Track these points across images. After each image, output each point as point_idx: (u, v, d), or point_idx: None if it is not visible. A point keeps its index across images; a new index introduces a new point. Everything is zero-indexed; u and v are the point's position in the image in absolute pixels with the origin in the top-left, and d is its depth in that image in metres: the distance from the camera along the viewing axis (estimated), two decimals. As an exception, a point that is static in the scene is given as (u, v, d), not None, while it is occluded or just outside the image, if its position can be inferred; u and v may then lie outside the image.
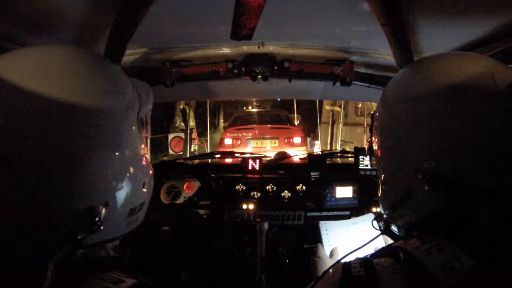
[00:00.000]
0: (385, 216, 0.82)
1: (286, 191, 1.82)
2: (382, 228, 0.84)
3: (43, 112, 0.57)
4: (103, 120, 0.64)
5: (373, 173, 1.72)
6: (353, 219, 1.48)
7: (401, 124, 0.71)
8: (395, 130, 0.73)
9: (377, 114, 0.83)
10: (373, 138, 0.84)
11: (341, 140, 6.90)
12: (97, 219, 0.61)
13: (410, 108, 0.71)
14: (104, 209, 0.63)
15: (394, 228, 0.80)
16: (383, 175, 0.80)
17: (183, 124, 8.06)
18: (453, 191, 0.62)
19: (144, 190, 0.75)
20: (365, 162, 1.74)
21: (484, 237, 0.57)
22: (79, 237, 0.60)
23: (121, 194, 0.67)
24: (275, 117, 8.39)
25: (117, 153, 0.66)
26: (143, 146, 0.75)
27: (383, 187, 0.80)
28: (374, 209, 1.73)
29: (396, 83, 0.81)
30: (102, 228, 0.62)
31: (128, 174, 0.69)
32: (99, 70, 0.70)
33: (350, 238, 1.33)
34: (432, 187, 0.63)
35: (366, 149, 0.94)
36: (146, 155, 0.76)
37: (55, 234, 0.60)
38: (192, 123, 8.24)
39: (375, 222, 0.89)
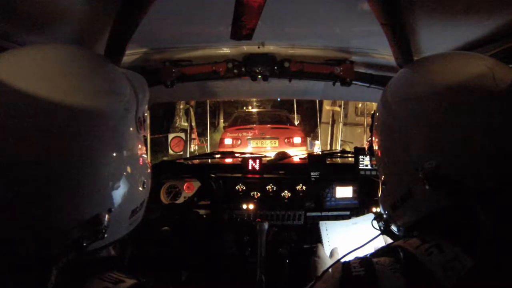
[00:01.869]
0: (385, 216, 0.82)
1: (286, 191, 1.82)
2: (382, 228, 0.84)
3: (41, 113, 0.57)
4: (103, 121, 0.63)
5: (373, 173, 1.72)
6: (353, 219, 1.48)
7: (401, 124, 0.71)
8: (395, 130, 0.73)
9: (377, 114, 0.83)
10: (373, 138, 0.84)
11: (341, 140, 6.89)
12: (102, 226, 0.61)
13: (410, 108, 0.71)
14: (107, 216, 0.63)
15: (394, 228, 0.80)
16: (383, 175, 0.80)
17: (185, 124, 8.07)
18: (453, 191, 0.62)
19: (144, 189, 0.75)
20: (365, 162, 1.74)
21: (484, 237, 0.57)
22: (84, 244, 0.60)
23: (123, 198, 0.67)
24: (275, 117, 8.39)
25: (117, 157, 0.66)
26: (141, 145, 0.75)
27: (383, 187, 0.80)
28: (374, 209, 1.73)
29: (396, 83, 0.81)
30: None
31: (129, 177, 0.68)
32: (98, 70, 0.69)
33: (350, 238, 1.33)
34: (432, 187, 0.63)
35: (366, 149, 0.94)
36: (144, 154, 0.76)
37: (60, 242, 0.59)
38: (192, 123, 8.25)
39: (375, 222, 0.89)
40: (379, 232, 0.85)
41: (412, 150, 0.68)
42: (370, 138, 0.89)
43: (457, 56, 0.79)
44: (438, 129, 0.65)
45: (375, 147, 0.83)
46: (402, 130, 0.71)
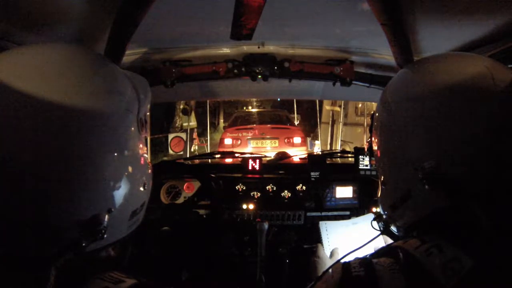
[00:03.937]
0: (384, 216, 0.82)
1: (286, 191, 1.82)
2: (381, 229, 0.84)
3: (41, 112, 0.56)
4: (103, 121, 0.63)
5: (373, 173, 1.72)
6: (353, 219, 1.48)
7: (401, 124, 0.72)
8: (395, 130, 0.73)
9: (376, 114, 0.83)
10: (373, 139, 0.84)
11: (341, 140, 6.89)
12: (101, 227, 0.61)
13: (410, 108, 0.71)
14: (107, 216, 0.63)
15: (393, 228, 0.80)
16: (382, 175, 0.80)
17: (186, 124, 8.08)
18: (452, 191, 0.62)
19: (144, 190, 0.75)
20: (365, 162, 1.74)
21: (484, 237, 0.57)
22: (83, 244, 0.60)
23: (123, 199, 0.67)
24: (275, 117, 8.38)
25: (118, 157, 0.65)
26: (142, 146, 0.75)
27: (383, 187, 0.80)
28: (374, 209, 1.73)
29: (396, 83, 0.82)
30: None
31: (129, 178, 0.68)
32: (99, 70, 0.69)
33: (350, 238, 1.33)
34: (432, 187, 0.63)
35: (366, 149, 0.94)
36: (145, 155, 0.76)
37: (58, 241, 0.59)
38: (192, 123, 8.24)
39: (374, 222, 0.89)
40: (379, 232, 0.85)
41: (411, 150, 0.68)
42: (369, 139, 0.89)
43: (456, 57, 0.79)
44: (437, 129, 0.65)
45: (375, 148, 0.83)
46: (401, 130, 0.71)
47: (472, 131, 0.62)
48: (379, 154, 0.80)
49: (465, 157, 0.62)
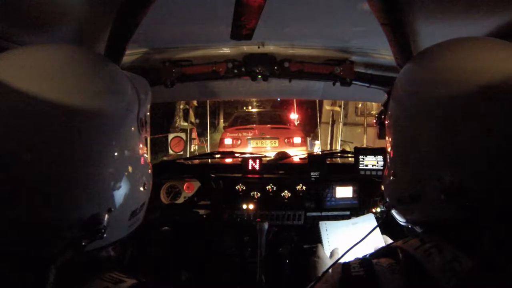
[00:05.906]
0: (387, 201, 0.78)
1: (286, 191, 1.82)
2: (383, 210, 0.81)
3: (41, 112, 0.57)
4: (103, 120, 0.63)
5: (373, 173, 1.72)
6: (353, 219, 1.48)
7: (420, 128, 0.64)
8: (414, 132, 0.66)
9: (389, 112, 0.77)
10: (387, 138, 0.78)
11: (341, 140, 6.89)
12: (101, 226, 0.61)
13: (431, 109, 0.62)
14: (107, 215, 0.63)
15: (394, 214, 0.77)
16: (394, 166, 0.74)
17: (185, 123, 8.08)
18: (472, 206, 0.57)
19: (144, 190, 0.75)
20: (365, 162, 1.74)
21: (484, 237, 0.57)
22: (83, 243, 0.60)
23: (123, 199, 0.67)
24: (275, 117, 8.39)
25: (118, 157, 0.66)
26: (142, 146, 0.75)
27: (393, 177, 0.74)
28: (374, 209, 1.73)
29: (412, 76, 0.72)
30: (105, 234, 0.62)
31: (129, 178, 0.68)
32: (99, 70, 0.69)
33: (350, 238, 1.33)
34: (450, 199, 0.58)
35: (376, 123, 0.86)
36: (145, 155, 0.76)
37: (58, 241, 0.59)
38: (192, 119, 8.24)
39: (374, 211, 0.87)
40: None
41: (431, 157, 0.62)
42: (382, 117, 0.83)
43: (486, 43, 0.68)
44: (462, 137, 0.57)
45: (389, 147, 0.77)
46: (421, 135, 0.64)
47: (506, 143, 0.55)
48: (392, 153, 0.75)
49: (492, 173, 0.56)
